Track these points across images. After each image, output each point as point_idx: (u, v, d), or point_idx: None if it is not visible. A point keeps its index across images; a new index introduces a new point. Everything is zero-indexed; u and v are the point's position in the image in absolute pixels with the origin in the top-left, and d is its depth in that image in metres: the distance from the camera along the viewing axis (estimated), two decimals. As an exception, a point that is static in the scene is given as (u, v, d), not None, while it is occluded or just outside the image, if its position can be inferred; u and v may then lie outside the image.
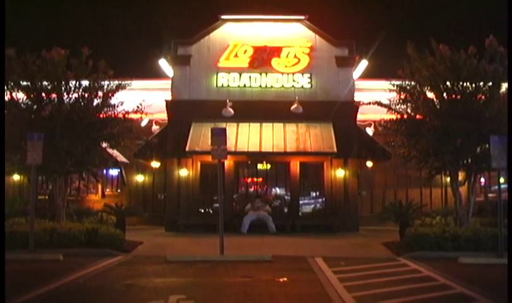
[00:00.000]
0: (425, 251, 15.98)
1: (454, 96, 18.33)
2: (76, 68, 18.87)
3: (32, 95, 18.72)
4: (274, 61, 25.06)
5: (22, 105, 18.78)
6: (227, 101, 23.67)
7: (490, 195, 26.40)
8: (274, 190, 25.95)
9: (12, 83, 18.38)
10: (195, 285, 11.77)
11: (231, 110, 23.46)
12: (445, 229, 17.13)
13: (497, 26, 19.27)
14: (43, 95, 18.73)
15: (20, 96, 18.83)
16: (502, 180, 17.03)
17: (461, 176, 19.24)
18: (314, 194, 25.83)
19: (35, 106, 18.77)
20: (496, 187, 19.10)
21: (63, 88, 18.81)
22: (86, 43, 19.26)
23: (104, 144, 20.25)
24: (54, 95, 18.82)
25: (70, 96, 18.92)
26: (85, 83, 19.07)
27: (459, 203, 18.60)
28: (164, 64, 25.91)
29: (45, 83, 18.69)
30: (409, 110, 19.09)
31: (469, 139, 17.86)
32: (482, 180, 25.77)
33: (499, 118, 17.80)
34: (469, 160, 18.51)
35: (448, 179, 20.07)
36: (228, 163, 23.59)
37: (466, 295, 10.51)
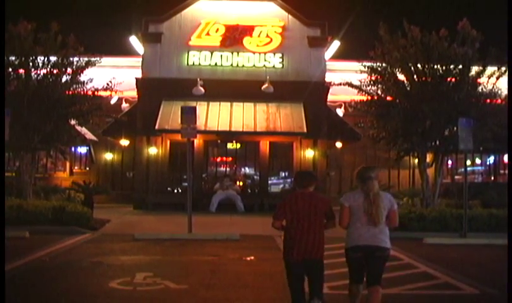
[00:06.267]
0: (391, 232, 16.12)
1: (424, 78, 18.48)
2: (44, 43, 18.56)
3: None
4: (246, 40, 24.89)
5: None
6: (198, 79, 23.48)
7: (456, 177, 26.83)
8: (243, 169, 26.02)
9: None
10: (162, 263, 11.79)
11: (202, 89, 23.28)
12: (412, 210, 17.38)
13: (471, 10, 19.43)
14: (10, 70, 18.39)
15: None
16: (468, 162, 17.30)
17: (428, 158, 19.45)
18: (283, 174, 25.97)
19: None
20: (463, 169, 19.41)
21: (30, 64, 18.51)
22: (55, 18, 18.94)
23: (73, 122, 19.93)
24: (21, 71, 18.51)
25: (38, 72, 18.62)
26: (54, 58, 18.79)
27: (426, 184, 18.81)
28: (134, 42, 25.62)
29: (12, 57, 18.35)
30: (379, 92, 19.18)
31: (438, 121, 18.04)
32: (449, 162, 26.14)
33: (467, 101, 18.05)
34: (437, 142, 18.71)
35: (416, 161, 20.28)
36: (198, 142, 23.52)
37: (429, 273, 10.71)
